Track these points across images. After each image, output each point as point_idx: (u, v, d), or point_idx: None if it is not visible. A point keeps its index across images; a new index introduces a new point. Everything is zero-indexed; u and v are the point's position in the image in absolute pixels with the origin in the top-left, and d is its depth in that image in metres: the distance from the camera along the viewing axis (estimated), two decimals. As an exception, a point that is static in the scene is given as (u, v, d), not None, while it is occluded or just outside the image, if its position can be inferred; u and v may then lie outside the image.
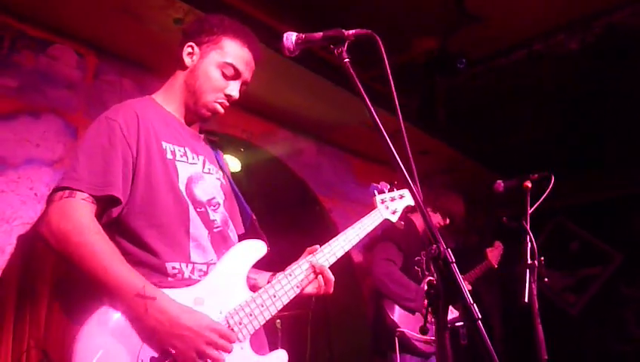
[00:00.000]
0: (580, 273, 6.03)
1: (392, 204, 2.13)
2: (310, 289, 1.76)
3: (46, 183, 2.78)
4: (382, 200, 2.12)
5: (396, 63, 4.02)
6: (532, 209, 2.72)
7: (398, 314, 2.99)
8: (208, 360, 1.46)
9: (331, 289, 1.77)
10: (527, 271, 2.45)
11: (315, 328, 4.90)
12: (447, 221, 3.49)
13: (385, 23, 3.67)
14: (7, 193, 2.70)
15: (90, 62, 3.11)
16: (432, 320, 1.21)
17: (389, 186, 2.17)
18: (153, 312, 1.43)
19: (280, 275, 1.73)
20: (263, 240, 1.78)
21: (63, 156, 2.87)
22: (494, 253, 3.79)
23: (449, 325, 1.27)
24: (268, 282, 1.73)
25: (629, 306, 5.64)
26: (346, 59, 1.53)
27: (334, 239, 1.85)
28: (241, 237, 1.85)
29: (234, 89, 1.80)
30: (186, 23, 2.87)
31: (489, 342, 1.10)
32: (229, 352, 1.50)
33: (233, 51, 1.79)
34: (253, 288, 1.70)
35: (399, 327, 2.93)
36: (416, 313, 2.97)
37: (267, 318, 1.64)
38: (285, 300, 1.68)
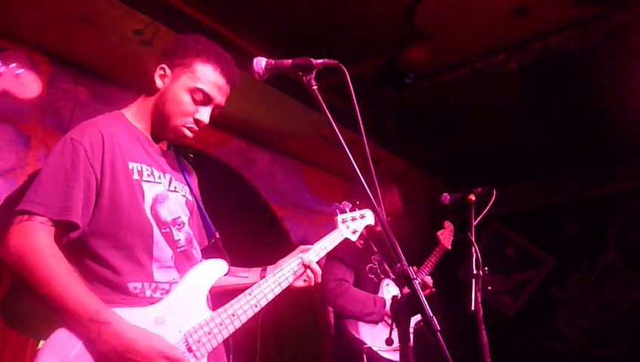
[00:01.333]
0: (515, 276, 6.38)
1: (352, 224, 2.16)
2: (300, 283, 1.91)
3: (-3, 194, 2.71)
4: (343, 219, 2.14)
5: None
6: (476, 221, 2.87)
7: (362, 330, 2.89)
8: None
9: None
10: (473, 280, 2.59)
11: (264, 333, 4.95)
12: (389, 219, 3.24)
13: (337, 37, 3.80)
14: (-43, 203, 2.61)
15: (44, 69, 3.02)
16: (396, 329, 1.32)
17: (350, 205, 2.19)
18: (107, 337, 1.44)
19: (247, 291, 1.76)
20: (225, 258, 1.82)
21: (15, 166, 2.78)
22: (446, 235, 3.61)
23: (415, 326, 1.38)
24: (261, 277, 1.86)
25: (560, 307, 6.05)
26: (314, 86, 1.64)
27: (288, 263, 1.89)
28: (203, 252, 1.89)
29: (204, 114, 1.78)
30: (146, 34, 2.87)
31: (447, 352, 1.24)
32: None
33: (205, 76, 1.76)
34: (235, 292, 1.75)
35: (365, 344, 2.84)
36: (379, 323, 2.88)
37: (225, 336, 1.68)
38: (244, 319, 1.72)
